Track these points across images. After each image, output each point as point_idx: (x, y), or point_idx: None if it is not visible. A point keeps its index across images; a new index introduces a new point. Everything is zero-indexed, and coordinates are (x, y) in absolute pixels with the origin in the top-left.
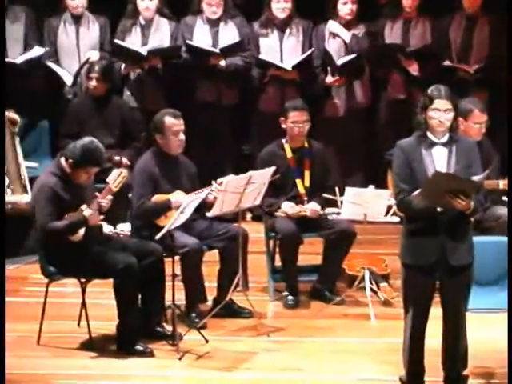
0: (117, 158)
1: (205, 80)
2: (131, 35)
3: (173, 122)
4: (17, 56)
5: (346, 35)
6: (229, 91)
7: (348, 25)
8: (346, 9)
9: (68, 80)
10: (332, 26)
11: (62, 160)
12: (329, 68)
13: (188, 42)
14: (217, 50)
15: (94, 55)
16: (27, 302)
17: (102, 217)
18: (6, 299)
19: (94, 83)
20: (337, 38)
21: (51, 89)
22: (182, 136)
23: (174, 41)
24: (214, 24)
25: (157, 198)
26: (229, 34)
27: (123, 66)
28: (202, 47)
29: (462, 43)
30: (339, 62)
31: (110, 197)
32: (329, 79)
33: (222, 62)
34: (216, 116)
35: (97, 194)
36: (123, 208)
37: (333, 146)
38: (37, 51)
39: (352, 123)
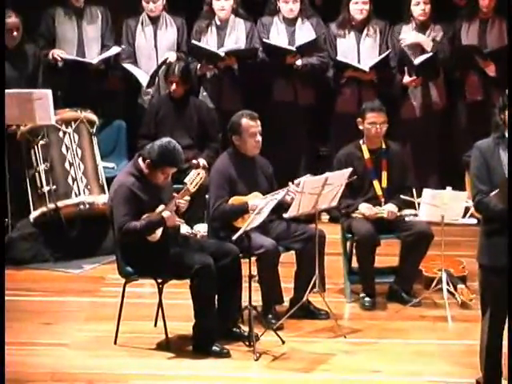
0: (194, 161)
1: (281, 80)
2: (207, 36)
3: (250, 123)
4: (94, 56)
5: (423, 38)
6: (305, 91)
7: (423, 26)
8: (418, 9)
9: (144, 81)
10: (406, 34)
11: (140, 160)
12: (406, 68)
13: (264, 40)
14: (293, 48)
15: (172, 56)
16: (104, 302)
17: (181, 220)
18: (85, 299)
19: (174, 87)
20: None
21: (129, 89)
22: (258, 137)
23: (250, 41)
24: (290, 23)
25: (234, 200)
26: (305, 33)
27: (199, 66)
28: (278, 45)
29: None
30: (416, 61)
31: (187, 198)
32: (406, 79)
33: (298, 62)
34: (292, 116)
35: (174, 194)
36: (200, 209)
37: (409, 146)
38: (114, 50)
39: (428, 124)
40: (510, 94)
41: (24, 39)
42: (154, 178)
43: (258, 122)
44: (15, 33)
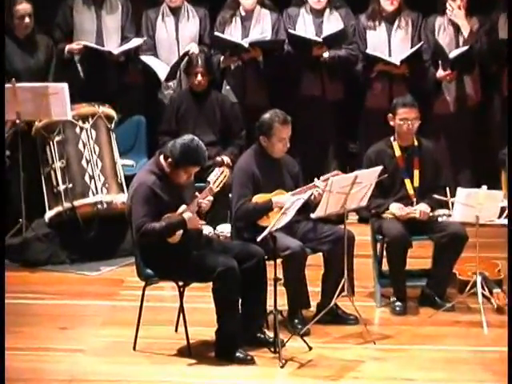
0: (218, 158)
1: (308, 73)
2: (231, 27)
3: (281, 128)
4: (114, 48)
5: (464, 27)
6: (333, 85)
7: (458, 19)
8: (452, 3)
9: (162, 74)
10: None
11: (161, 158)
12: (440, 62)
13: (290, 30)
14: (319, 39)
15: (194, 48)
16: (123, 306)
17: (203, 222)
18: (103, 302)
19: (199, 78)
20: (447, 32)
21: (148, 83)
22: (287, 142)
23: (276, 33)
24: (318, 15)
25: (258, 198)
26: (333, 25)
27: (222, 58)
28: (304, 36)
29: None
30: (451, 55)
31: (210, 197)
32: (440, 73)
33: (326, 54)
34: (320, 112)
35: (196, 194)
36: (224, 208)
37: (442, 143)
38: (135, 42)
39: (462, 120)
40: (509, 94)
41: (35, 29)
42: (176, 177)
43: (290, 127)
44: (27, 19)
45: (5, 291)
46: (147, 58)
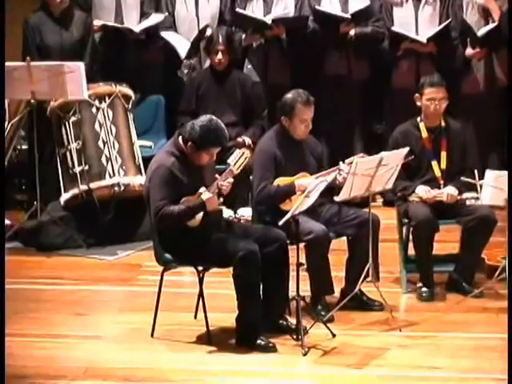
0: (239, 139)
1: (333, 51)
2: (252, 3)
3: (304, 108)
4: (134, 25)
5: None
6: (359, 64)
7: None
8: None
9: (183, 51)
10: None
11: (180, 140)
12: (468, 40)
13: (316, 6)
14: (347, 16)
15: (214, 22)
16: (141, 291)
17: (221, 200)
18: (120, 288)
19: (219, 56)
20: (475, 9)
21: (168, 62)
22: (309, 124)
23: (300, 9)
24: None
25: (280, 180)
26: (359, 1)
27: (243, 36)
28: (331, 12)
29: None
30: (480, 32)
31: (230, 179)
32: (468, 52)
33: (352, 31)
34: (345, 91)
35: (217, 176)
36: (244, 191)
37: (471, 124)
38: (155, 18)
39: (492, 100)
40: (509, 92)
41: (72, 4)
42: (198, 159)
43: (312, 108)
44: None
45: (4, 290)
46: (167, 34)
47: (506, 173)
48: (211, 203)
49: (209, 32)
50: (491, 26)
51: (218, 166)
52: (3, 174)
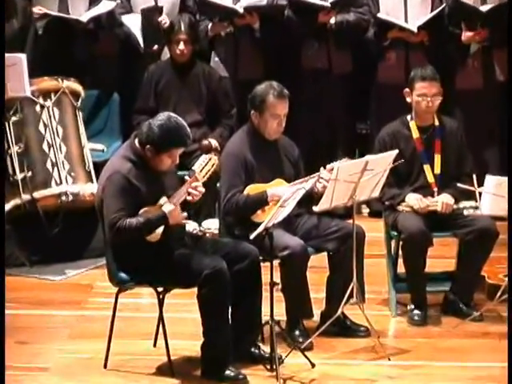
0: (205, 142)
1: (312, 42)
2: None
3: (276, 102)
4: (81, 13)
5: None
6: (341, 56)
7: None
8: None
9: (142, 41)
10: None
11: (137, 142)
12: (462, 23)
13: None
14: (327, 4)
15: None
16: (92, 316)
17: (185, 214)
18: (69, 312)
19: (181, 47)
20: None
21: (124, 53)
22: (282, 121)
23: None
24: None
25: (251, 189)
26: None
27: (210, 25)
28: (309, 0)
29: None
30: (483, 8)
31: (202, 189)
32: (466, 36)
33: (333, 20)
34: (326, 87)
35: (187, 180)
36: (211, 201)
37: (468, 123)
38: (105, 6)
39: (491, 96)
40: (509, 90)
41: None
42: (159, 164)
43: (287, 103)
44: None
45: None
46: (128, 19)
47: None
48: (174, 216)
49: (164, 18)
50: (495, 3)
51: (180, 173)
52: (2, 176)
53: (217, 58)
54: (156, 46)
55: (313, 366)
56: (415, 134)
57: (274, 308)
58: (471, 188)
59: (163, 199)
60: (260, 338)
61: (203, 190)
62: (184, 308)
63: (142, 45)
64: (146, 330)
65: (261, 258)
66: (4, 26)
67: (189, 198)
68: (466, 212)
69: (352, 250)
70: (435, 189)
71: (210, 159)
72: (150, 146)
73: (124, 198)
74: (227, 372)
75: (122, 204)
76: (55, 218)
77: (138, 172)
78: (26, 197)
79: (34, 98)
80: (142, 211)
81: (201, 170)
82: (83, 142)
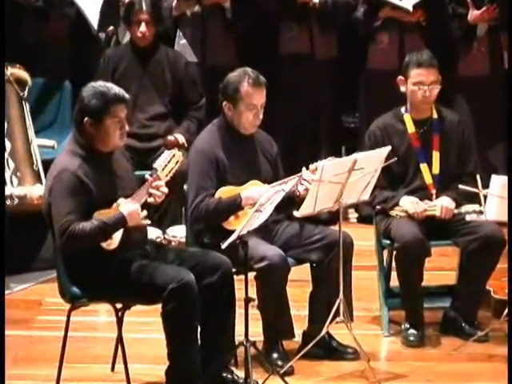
0: (169, 137)
1: (291, 24)
2: None
3: (251, 91)
4: None
5: None
6: (325, 40)
7: None
8: None
9: (95, 23)
10: None
11: (77, 131)
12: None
13: None
14: None
15: None
16: (41, 336)
17: (145, 213)
18: (14, 332)
19: (142, 28)
20: None
21: (76, 37)
22: (259, 112)
23: None
24: None
25: (223, 191)
26: None
27: (174, 3)
28: None
29: None
30: None
31: (164, 189)
32: (474, 13)
33: None
34: (308, 74)
35: (148, 179)
36: (176, 206)
37: (471, 116)
38: None
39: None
40: (509, 88)
41: None
42: (106, 138)
43: (264, 92)
44: None
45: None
46: (79, 2)
47: None
48: (133, 217)
49: None
50: None
51: (139, 172)
52: (2, 170)
53: (183, 41)
54: (111, 28)
55: None
56: (410, 128)
57: (249, 327)
58: (474, 190)
59: (121, 200)
60: (233, 362)
61: (166, 190)
62: (146, 327)
63: (94, 26)
64: (103, 353)
65: (234, 270)
66: (4, 27)
67: (150, 199)
68: (468, 217)
69: (338, 261)
70: (433, 191)
71: (173, 155)
72: (88, 117)
73: (75, 199)
74: None
75: (73, 206)
76: None
77: (89, 168)
78: None
79: None
80: (96, 214)
81: (163, 168)
82: (30, 138)
